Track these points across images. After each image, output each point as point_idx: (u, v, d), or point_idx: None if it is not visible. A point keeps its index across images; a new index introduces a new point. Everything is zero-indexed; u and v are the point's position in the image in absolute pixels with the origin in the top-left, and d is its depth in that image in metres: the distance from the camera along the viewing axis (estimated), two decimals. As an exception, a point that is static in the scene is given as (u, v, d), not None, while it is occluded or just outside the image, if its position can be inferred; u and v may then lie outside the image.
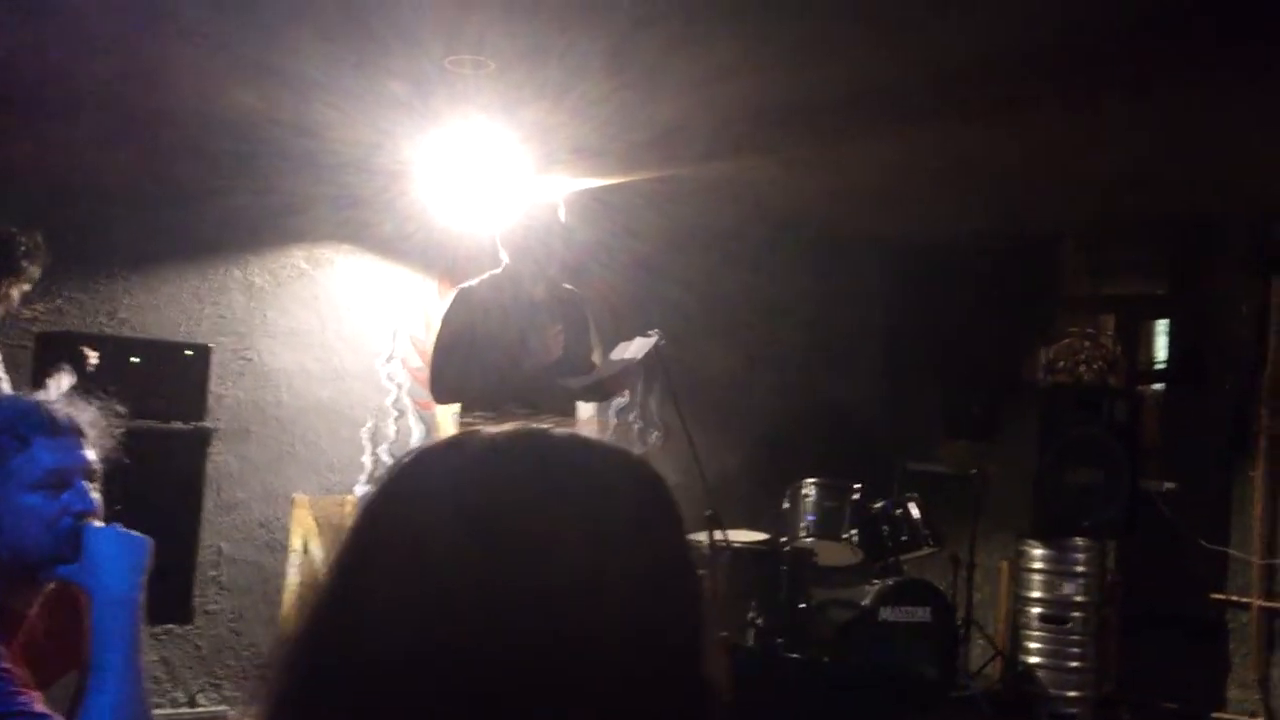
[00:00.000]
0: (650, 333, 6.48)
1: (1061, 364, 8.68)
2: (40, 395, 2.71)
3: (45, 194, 6.80)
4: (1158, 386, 9.22)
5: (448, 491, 1.18)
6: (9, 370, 6.08)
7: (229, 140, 7.10)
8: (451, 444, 1.24)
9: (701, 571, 1.25)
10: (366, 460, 8.04)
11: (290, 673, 1.16)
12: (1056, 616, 8.13)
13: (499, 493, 1.16)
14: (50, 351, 6.54)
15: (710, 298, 9.13)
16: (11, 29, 5.53)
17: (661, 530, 1.21)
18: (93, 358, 6.43)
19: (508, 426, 1.23)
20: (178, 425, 6.86)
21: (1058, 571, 8.19)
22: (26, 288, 6.06)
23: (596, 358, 6.87)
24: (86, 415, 2.69)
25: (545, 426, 1.24)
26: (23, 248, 5.90)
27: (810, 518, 7.90)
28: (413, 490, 1.21)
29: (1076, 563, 8.16)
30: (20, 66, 6.14)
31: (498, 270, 6.26)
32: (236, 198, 7.44)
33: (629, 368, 6.45)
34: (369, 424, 8.06)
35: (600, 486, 1.20)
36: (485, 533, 1.12)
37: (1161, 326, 9.18)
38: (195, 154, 7.23)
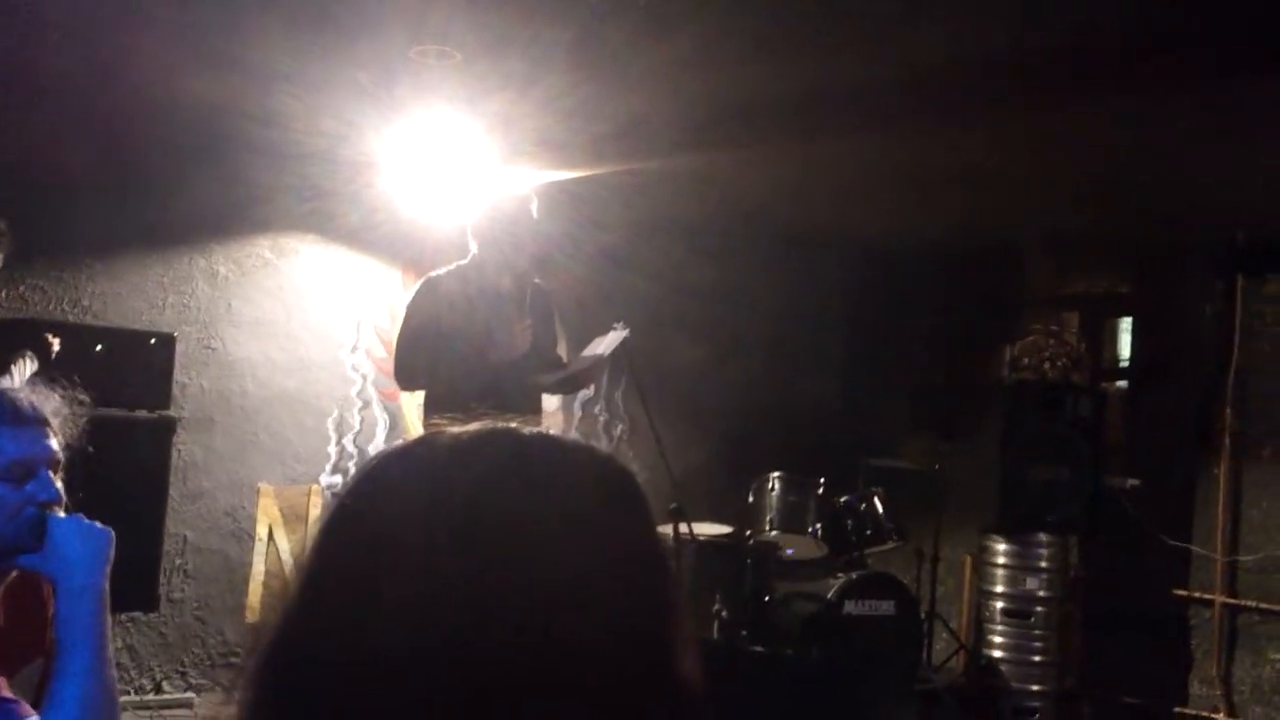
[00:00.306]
0: (617, 325, 6.49)
1: (1026, 361, 8.72)
2: (3, 382, 2.70)
3: (8, 181, 6.75)
4: (1121, 384, 9.27)
5: (418, 489, 1.17)
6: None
7: (193, 131, 7.07)
8: (420, 443, 1.24)
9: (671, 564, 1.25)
10: (332, 450, 8.02)
11: (266, 674, 1.15)
12: (1020, 611, 8.17)
13: (470, 490, 1.15)
14: (12, 338, 6.49)
15: (677, 289, 9.13)
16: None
17: (634, 524, 1.21)
18: (55, 344, 6.38)
19: (475, 426, 1.23)
20: (142, 414, 6.82)
21: (1021, 566, 8.23)
22: (-10, 274, 6.03)
23: (562, 351, 6.87)
24: (51, 404, 2.67)
25: (512, 425, 1.24)
26: (-14, 234, 5.86)
27: (775, 511, 7.92)
28: (383, 489, 1.20)
29: (1040, 558, 8.21)
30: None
31: (464, 261, 6.24)
32: (201, 188, 7.42)
33: (598, 362, 6.46)
34: (334, 414, 8.04)
35: (572, 482, 1.20)
36: (458, 530, 1.12)
37: (1125, 324, 9.22)
38: (159, 144, 7.19)
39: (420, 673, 1.06)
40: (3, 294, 6.82)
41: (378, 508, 1.18)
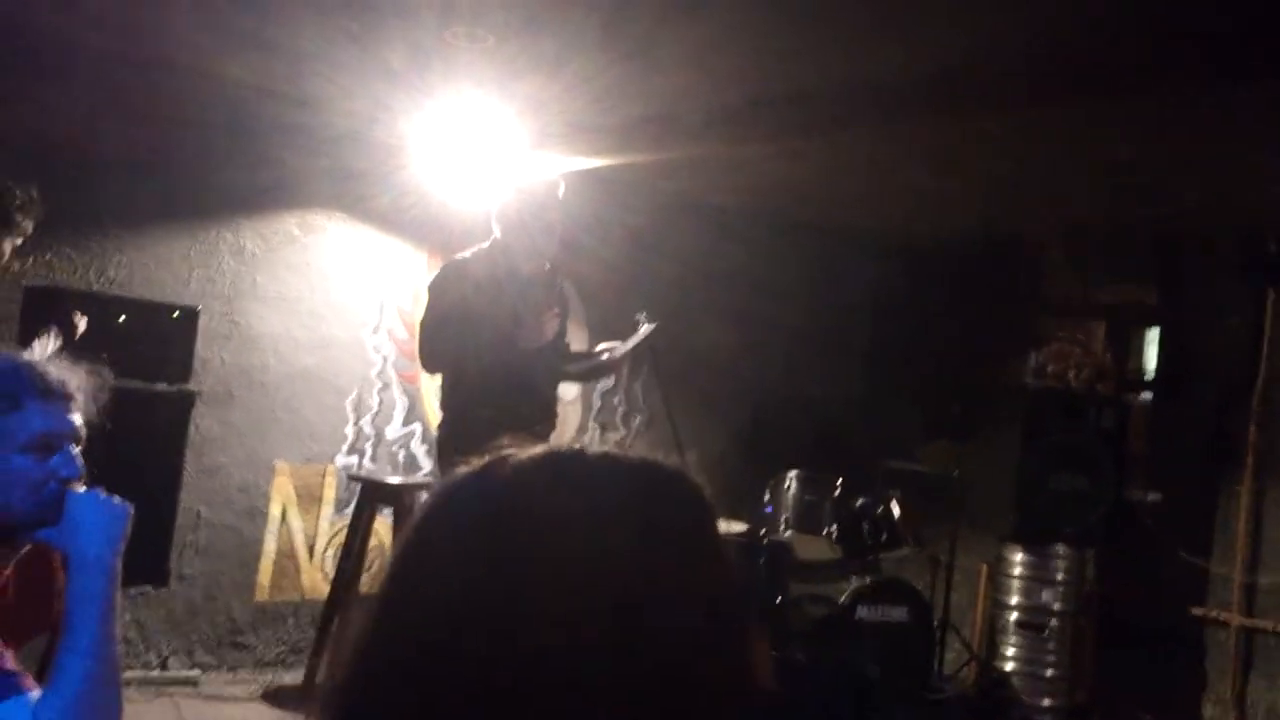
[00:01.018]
0: (640, 317, 6.49)
1: (1050, 368, 8.66)
2: (29, 355, 2.69)
3: (40, 152, 6.75)
4: (1146, 396, 9.20)
5: (460, 485, 1.23)
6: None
7: (224, 109, 7.08)
8: (486, 466, 1.26)
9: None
10: (349, 431, 8.01)
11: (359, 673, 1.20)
12: (1034, 623, 8.13)
13: (506, 482, 1.20)
14: (38, 306, 6.51)
15: (704, 275, 9.14)
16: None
17: (679, 524, 1.24)
18: (81, 324, 6.40)
19: (538, 450, 1.26)
20: (162, 387, 6.84)
21: (1037, 578, 8.18)
22: (19, 241, 6.04)
23: (573, 340, 6.86)
24: (75, 379, 2.67)
25: (576, 448, 1.27)
26: (17, 201, 5.88)
27: (791, 511, 7.89)
28: (439, 495, 1.25)
29: (1056, 570, 8.16)
30: (13, 31, 6.11)
31: (486, 244, 6.20)
32: (230, 165, 7.42)
33: (623, 354, 6.46)
34: (353, 394, 8.02)
35: (609, 480, 1.23)
36: (489, 520, 1.17)
37: (1152, 336, 9.15)
38: (190, 121, 7.18)
39: (456, 666, 1.10)
40: (30, 260, 6.83)
41: (442, 529, 1.24)
